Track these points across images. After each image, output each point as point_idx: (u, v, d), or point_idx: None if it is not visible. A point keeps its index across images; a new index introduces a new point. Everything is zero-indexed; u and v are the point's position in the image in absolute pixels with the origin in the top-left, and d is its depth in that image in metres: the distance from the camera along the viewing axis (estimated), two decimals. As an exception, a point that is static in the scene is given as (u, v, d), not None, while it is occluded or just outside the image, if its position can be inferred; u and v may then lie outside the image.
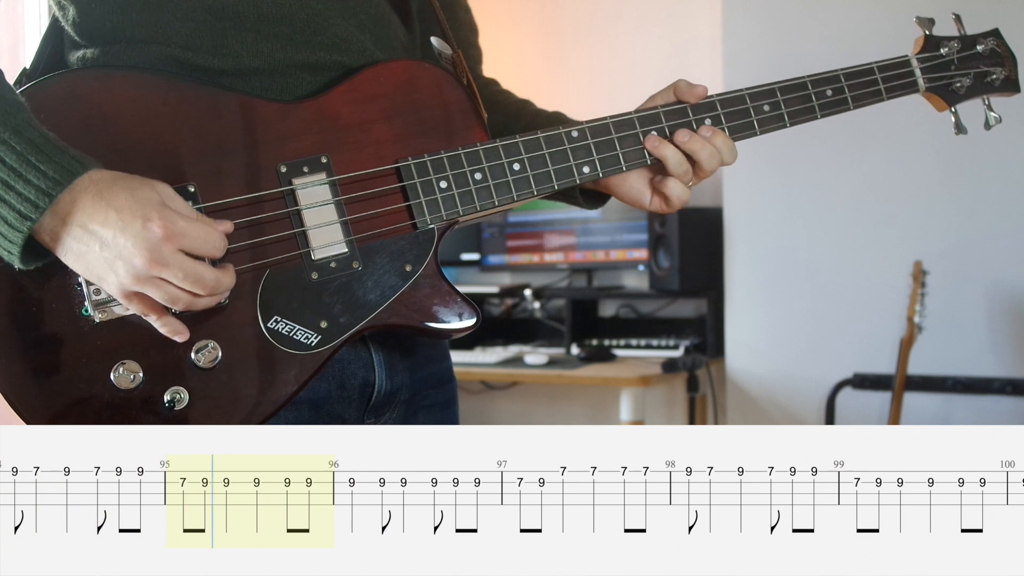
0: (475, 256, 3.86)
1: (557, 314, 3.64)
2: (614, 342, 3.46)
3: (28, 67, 1.10)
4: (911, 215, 3.08)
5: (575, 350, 3.44)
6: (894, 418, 2.87)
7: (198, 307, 0.95)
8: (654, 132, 1.13)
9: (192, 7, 1.03)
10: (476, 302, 1.07)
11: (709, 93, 1.15)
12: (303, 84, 1.06)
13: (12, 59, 2.71)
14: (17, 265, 0.93)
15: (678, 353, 3.29)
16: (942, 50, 1.20)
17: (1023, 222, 2.95)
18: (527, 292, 3.63)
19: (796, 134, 1.19)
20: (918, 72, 1.19)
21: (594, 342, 3.49)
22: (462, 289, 1.07)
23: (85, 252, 0.91)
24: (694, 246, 3.32)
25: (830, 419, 3.12)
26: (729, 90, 1.15)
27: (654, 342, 3.41)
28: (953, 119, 1.21)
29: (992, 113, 1.21)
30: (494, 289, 3.70)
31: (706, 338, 3.36)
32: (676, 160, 1.13)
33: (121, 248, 0.90)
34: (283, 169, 1.02)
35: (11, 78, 1.01)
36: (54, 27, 1.11)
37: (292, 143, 1.03)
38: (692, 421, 3.11)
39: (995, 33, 1.22)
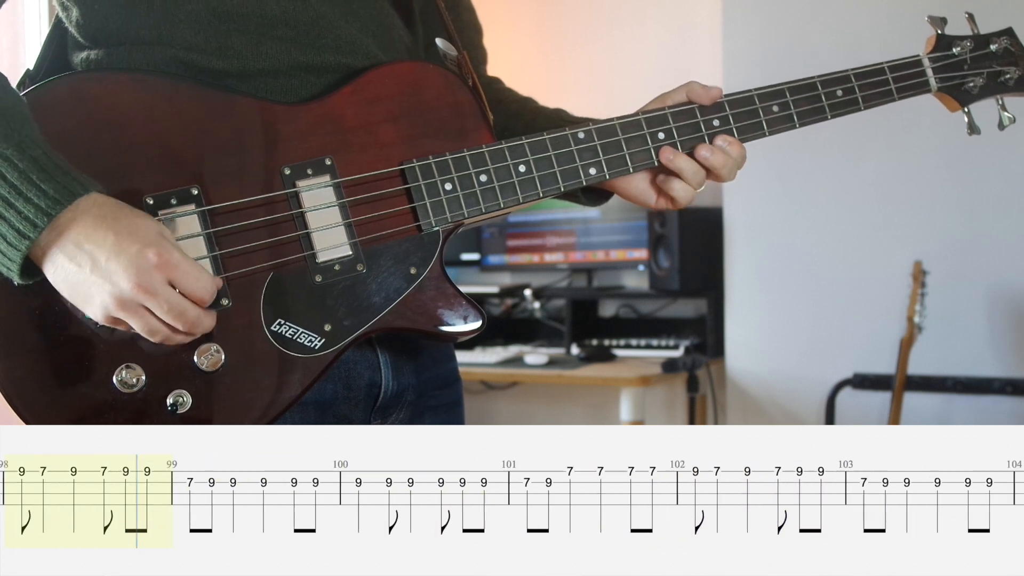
0: (475, 256, 3.85)
1: (557, 314, 3.64)
2: (614, 342, 3.46)
3: (31, 68, 1.09)
4: (911, 215, 3.08)
5: (575, 350, 3.44)
6: (894, 418, 2.87)
7: (172, 343, 0.95)
8: (667, 145, 1.12)
9: (196, 9, 1.03)
10: (477, 302, 1.07)
11: (717, 94, 1.14)
12: (307, 86, 1.06)
13: (12, 59, 2.70)
14: (17, 281, 0.93)
15: (678, 353, 3.29)
16: (954, 49, 1.19)
17: (1023, 222, 2.95)
18: (527, 292, 3.63)
19: (797, 134, 1.18)
20: (930, 72, 1.18)
21: (594, 342, 3.49)
22: (462, 289, 1.06)
23: (75, 271, 0.91)
24: (694, 246, 3.32)
25: (830, 419, 3.12)
26: (736, 91, 1.14)
27: (654, 342, 3.41)
28: (966, 119, 1.20)
29: (1006, 113, 1.20)
30: (494, 289, 3.69)
31: (706, 338, 3.36)
32: (692, 170, 1.12)
33: (112, 271, 0.90)
34: (287, 171, 1.02)
35: (13, 79, 1.00)
36: (57, 28, 1.10)
37: (296, 145, 1.03)
38: (692, 421, 3.11)
39: (1009, 32, 1.21)
